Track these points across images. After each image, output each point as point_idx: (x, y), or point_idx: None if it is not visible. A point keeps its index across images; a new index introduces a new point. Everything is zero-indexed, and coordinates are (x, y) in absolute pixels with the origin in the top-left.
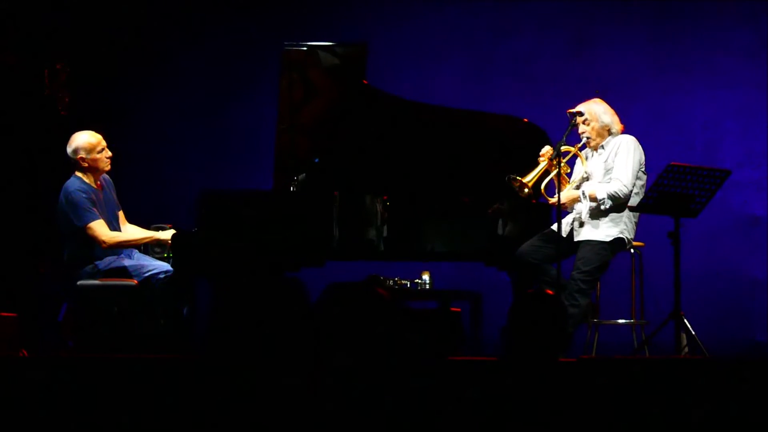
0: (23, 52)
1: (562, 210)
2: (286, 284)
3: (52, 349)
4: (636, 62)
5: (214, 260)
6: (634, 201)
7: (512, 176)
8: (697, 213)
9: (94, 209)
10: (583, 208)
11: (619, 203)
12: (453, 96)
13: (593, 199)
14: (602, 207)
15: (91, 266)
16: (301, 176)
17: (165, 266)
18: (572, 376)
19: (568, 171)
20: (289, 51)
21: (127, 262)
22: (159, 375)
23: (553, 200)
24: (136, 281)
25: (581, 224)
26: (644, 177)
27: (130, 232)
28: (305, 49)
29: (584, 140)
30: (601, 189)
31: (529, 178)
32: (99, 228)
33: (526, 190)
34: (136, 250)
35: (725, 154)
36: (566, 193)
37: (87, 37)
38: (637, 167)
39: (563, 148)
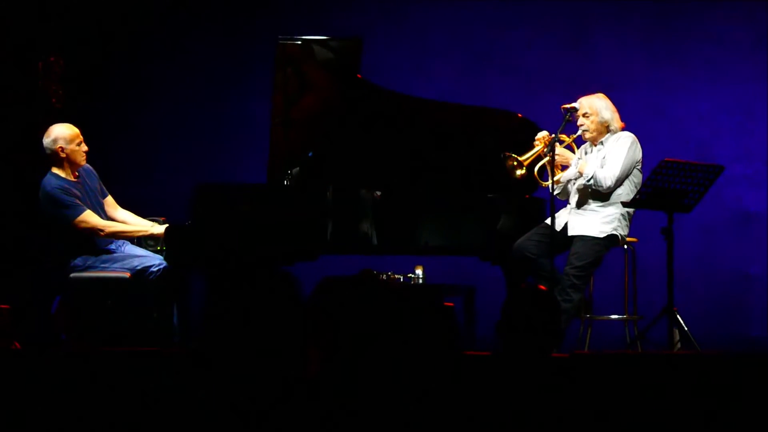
0: (17, 45)
1: (554, 185)
2: (279, 278)
3: (44, 342)
4: (632, 57)
5: (207, 254)
6: (629, 197)
7: (508, 154)
8: (691, 208)
9: (78, 201)
10: (568, 173)
11: (600, 192)
12: (448, 90)
13: (581, 171)
14: (582, 181)
15: (82, 258)
16: (295, 170)
17: (158, 258)
18: (565, 371)
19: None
20: (284, 45)
21: (119, 255)
22: (152, 368)
23: (546, 183)
24: (129, 274)
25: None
26: (640, 175)
27: (125, 219)
28: (300, 43)
29: (580, 132)
30: (592, 167)
31: (525, 157)
32: (90, 218)
33: (519, 171)
34: (129, 242)
35: (720, 149)
36: (563, 151)
37: (81, 30)
38: (630, 165)
39: (560, 137)
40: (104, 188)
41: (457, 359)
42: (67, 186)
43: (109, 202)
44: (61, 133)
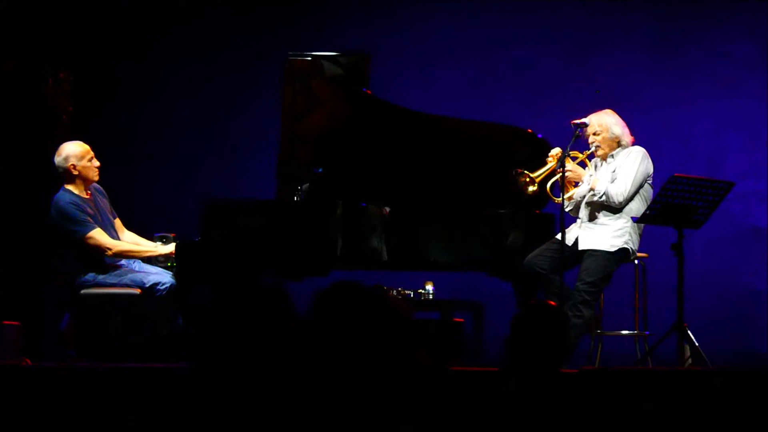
0: (26, 61)
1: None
2: (268, 290)
3: (54, 358)
4: (638, 72)
5: (217, 270)
6: (639, 212)
7: (520, 170)
8: (700, 224)
9: (89, 219)
10: (581, 191)
11: (612, 207)
12: (455, 105)
13: (593, 187)
14: (594, 198)
15: (93, 275)
16: (305, 186)
17: (167, 275)
18: (575, 386)
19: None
20: (293, 61)
21: (130, 272)
22: (160, 384)
23: (558, 200)
24: (139, 290)
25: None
26: (650, 190)
27: (132, 241)
28: (309, 59)
29: (593, 149)
30: (603, 183)
31: (537, 174)
32: (99, 236)
33: (531, 188)
34: (139, 260)
35: (728, 165)
36: (575, 167)
37: (90, 47)
38: (640, 179)
39: (572, 153)
40: (113, 210)
41: (463, 374)
42: (80, 202)
43: (117, 224)
44: (72, 151)
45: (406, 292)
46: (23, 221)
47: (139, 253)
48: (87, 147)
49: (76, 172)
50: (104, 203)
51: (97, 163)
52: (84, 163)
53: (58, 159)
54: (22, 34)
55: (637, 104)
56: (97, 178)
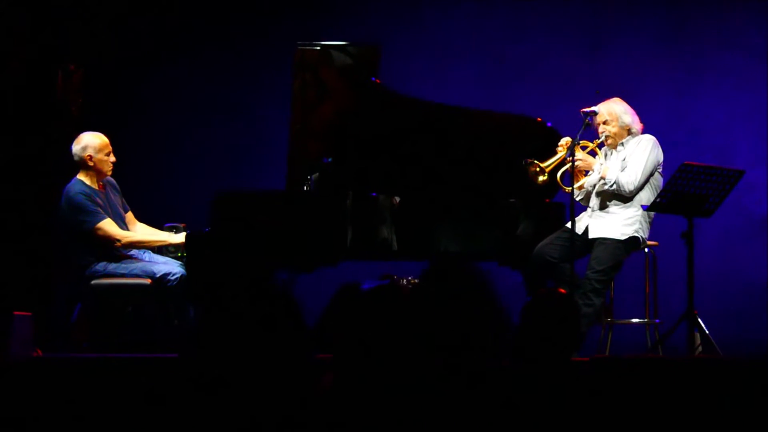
0: (36, 54)
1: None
2: (272, 288)
3: (65, 349)
4: (648, 63)
5: (227, 260)
6: (649, 201)
7: (530, 160)
8: (711, 213)
9: (99, 210)
10: (591, 180)
11: (622, 196)
12: (465, 97)
13: (603, 176)
14: (605, 186)
15: (104, 264)
16: (315, 176)
17: (178, 265)
18: (585, 375)
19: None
20: (303, 51)
21: (140, 262)
22: (172, 375)
23: (568, 189)
24: (149, 280)
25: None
26: (660, 178)
27: (143, 232)
28: (318, 48)
29: (602, 138)
30: (614, 172)
31: (547, 163)
32: (109, 227)
33: (541, 177)
34: (149, 250)
35: (738, 155)
36: (585, 156)
37: (100, 40)
38: (650, 167)
39: (582, 142)
40: (125, 203)
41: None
42: (90, 193)
43: (129, 217)
44: (91, 142)
45: (416, 281)
46: (33, 213)
47: (150, 243)
48: (106, 141)
49: (91, 163)
50: (116, 196)
51: (113, 159)
52: (101, 156)
53: (76, 147)
54: (31, 28)
55: (647, 95)
56: (110, 173)
